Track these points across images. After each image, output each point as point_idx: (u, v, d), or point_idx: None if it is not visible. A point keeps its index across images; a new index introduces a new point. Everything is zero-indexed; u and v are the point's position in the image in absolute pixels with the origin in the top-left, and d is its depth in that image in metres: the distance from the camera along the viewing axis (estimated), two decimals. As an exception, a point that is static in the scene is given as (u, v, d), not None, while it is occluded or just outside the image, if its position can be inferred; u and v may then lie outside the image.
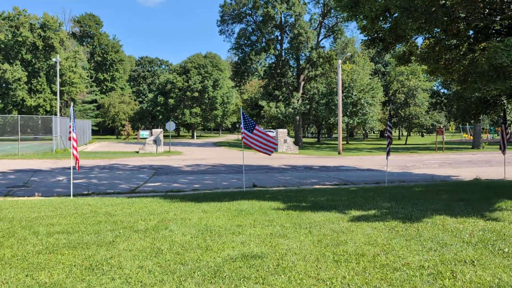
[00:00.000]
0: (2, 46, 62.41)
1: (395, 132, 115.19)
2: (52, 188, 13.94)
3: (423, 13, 9.51)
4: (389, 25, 10.78)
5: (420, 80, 62.59)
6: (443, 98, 46.64)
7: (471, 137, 76.07)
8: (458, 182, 14.87)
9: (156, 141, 33.81)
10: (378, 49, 12.66)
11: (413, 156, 31.87)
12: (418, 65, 15.50)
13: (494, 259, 5.30)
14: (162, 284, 4.50)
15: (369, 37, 12.23)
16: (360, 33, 12.51)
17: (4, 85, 61.67)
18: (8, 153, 29.99)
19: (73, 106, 11.14)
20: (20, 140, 38.12)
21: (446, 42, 11.70)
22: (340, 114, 33.89)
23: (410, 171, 20.10)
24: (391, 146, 13.64)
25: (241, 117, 12.11)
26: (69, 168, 19.92)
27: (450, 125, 77.66)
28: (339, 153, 33.19)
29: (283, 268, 5.00)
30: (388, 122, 13.19)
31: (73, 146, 11.51)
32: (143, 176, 17.19)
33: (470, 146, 44.08)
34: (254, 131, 12.24)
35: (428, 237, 6.38)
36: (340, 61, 34.55)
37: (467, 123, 77.15)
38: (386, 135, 13.35)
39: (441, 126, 38.50)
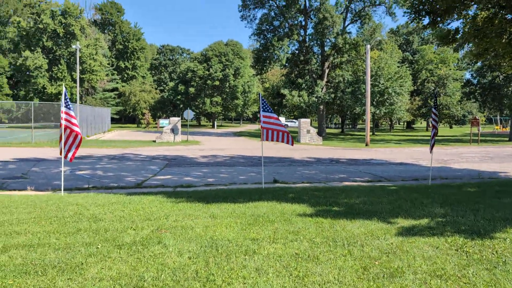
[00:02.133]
0: (24, 33, 61.98)
1: (420, 123, 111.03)
2: (50, 181, 12.56)
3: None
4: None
5: (450, 69, 59.56)
6: (477, 87, 43.97)
7: (504, 129, 72.55)
8: (512, 180, 12.85)
9: (173, 130, 32.38)
10: (423, 24, 10.68)
11: (447, 148, 29.59)
12: (465, 44, 13.45)
13: None
14: None
15: (413, 10, 10.27)
16: (401, 6, 10.58)
17: (25, 72, 61.22)
18: (22, 141, 29.07)
19: (65, 86, 9.69)
20: (38, 128, 37.30)
21: (509, 15, 9.68)
22: (368, 103, 31.75)
23: (449, 166, 18.06)
24: (435, 138, 11.67)
25: (260, 101, 10.37)
26: (82, 157, 18.59)
27: (484, 116, 74.25)
28: (366, 145, 31.14)
29: (317, 322, 3.29)
30: (433, 110, 11.25)
31: (70, 129, 10.01)
32: (153, 168, 15.68)
33: (507, 139, 41.27)
34: (273, 120, 10.56)
35: (518, 266, 4.57)
36: (368, 46, 32.30)
37: (498, 114, 73.56)
38: (431, 124, 11.41)
39: (477, 117, 35.90)
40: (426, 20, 10.39)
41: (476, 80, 45.56)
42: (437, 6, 9.52)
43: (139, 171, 14.86)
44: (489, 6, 9.83)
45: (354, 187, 10.63)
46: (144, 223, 6.39)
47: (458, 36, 13.41)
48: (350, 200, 8.47)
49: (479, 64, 50.91)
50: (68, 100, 10.12)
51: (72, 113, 10.19)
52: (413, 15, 10.35)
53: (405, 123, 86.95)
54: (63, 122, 10.11)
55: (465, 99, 49.13)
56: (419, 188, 10.36)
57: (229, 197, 8.77)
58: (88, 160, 17.67)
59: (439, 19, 10.26)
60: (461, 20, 13.82)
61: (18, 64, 61.17)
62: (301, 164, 17.70)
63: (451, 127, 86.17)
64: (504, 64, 13.72)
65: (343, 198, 8.64)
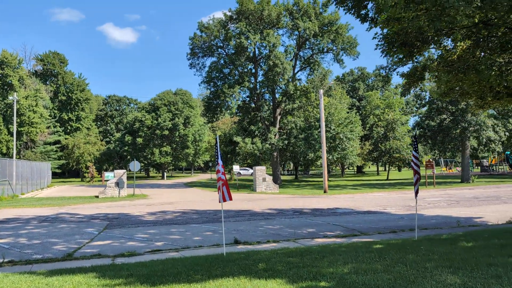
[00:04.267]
0: (-45, 84, 57.79)
1: (369, 167, 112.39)
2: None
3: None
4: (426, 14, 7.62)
5: (396, 114, 60.96)
6: (426, 130, 44.63)
7: (450, 170, 74.59)
8: (504, 228, 11.64)
9: (118, 184, 29.75)
10: (397, 58, 9.56)
11: (406, 192, 28.84)
12: (433, 81, 12.57)
13: None
14: None
15: (386, 41, 9.14)
16: (374, 37, 9.48)
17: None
18: None
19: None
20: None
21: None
22: (324, 148, 30.85)
23: (420, 213, 16.87)
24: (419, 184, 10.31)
25: (216, 147, 8.68)
26: (5, 221, 15.82)
27: (430, 158, 76.19)
28: (325, 192, 29.89)
29: None
30: (413, 153, 9.98)
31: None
32: (90, 231, 13.30)
33: (459, 180, 41.62)
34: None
35: None
36: (321, 91, 31.85)
37: (441, 156, 75.89)
38: (413, 169, 10.09)
39: (430, 159, 35.90)
40: (402, 52, 9.31)
41: (424, 123, 46.42)
42: (416, 36, 8.40)
43: (73, 235, 12.45)
44: (470, 36, 8.79)
45: (333, 248, 8.90)
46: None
47: (426, 73, 12.54)
48: (337, 268, 6.73)
49: (423, 109, 52.36)
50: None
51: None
52: (386, 47, 9.23)
53: (356, 168, 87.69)
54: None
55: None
56: (408, 245, 8.81)
57: (182, 273, 6.76)
58: (12, 224, 14.96)
59: (416, 51, 9.18)
60: (425, 57, 13.05)
61: None
62: (263, 218, 15.88)
63: (399, 170, 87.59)
64: (472, 102, 12.89)
65: (328, 267, 6.88)
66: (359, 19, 11.89)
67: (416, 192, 10.14)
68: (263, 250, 9.13)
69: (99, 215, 17.52)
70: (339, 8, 10.81)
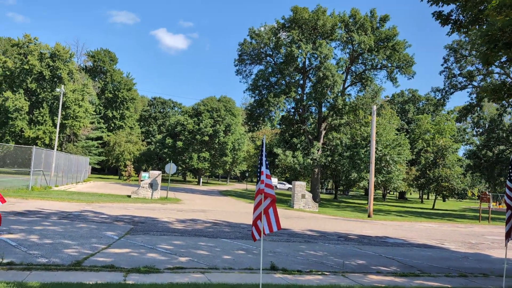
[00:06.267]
0: (8, 73, 59.11)
1: (410, 194, 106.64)
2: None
3: None
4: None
5: (447, 140, 57.51)
6: (482, 161, 41.39)
7: (500, 206, 69.57)
8: None
9: (152, 185, 28.63)
10: (500, 61, 7.61)
11: (458, 226, 26.11)
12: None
13: None
14: None
15: (486, 39, 7.22)
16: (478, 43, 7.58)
17: (4, 113, 57.71)
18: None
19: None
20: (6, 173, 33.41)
21: None
22: (373, 169, 28.56)
23: (484, 253, 14.52)
24: None
25: (261, 151, 6.99)
26: (25, 213, 14.74)
27: (478, 191, 71.36)
28: (369, 216, 27.58)
29: None
30: (508, 183, 7.91)
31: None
32: (110, 235, 11.87)
33: (516, 218, 37.97)
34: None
35: None
36: (375, 107, 29.67)
37: (494, 190, 70.88)
38: (506, 203, 8.03)
39: (487, 192, 32.82)
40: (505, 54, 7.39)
41: (480, 153, 43.06)
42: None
43: (89, 239, 11.06)
44: None
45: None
46: None
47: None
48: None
49: (474, 138, 48.86)
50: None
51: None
52: (486, 47, 7.33)
53: (398, 193, 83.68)
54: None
55: (470, 172, 46.47)
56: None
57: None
58: (30, 218, 13.79)
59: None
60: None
61: (-4, 104, 57.90)
62: (303, 240, 13.99)
63: (444, 200, 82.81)
64: None
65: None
66: (439, 20, 10.04)
67: (508, 234, 7.99)
68: (308, 285, 7.32)
69: (125, 217, 16.16)
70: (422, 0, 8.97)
